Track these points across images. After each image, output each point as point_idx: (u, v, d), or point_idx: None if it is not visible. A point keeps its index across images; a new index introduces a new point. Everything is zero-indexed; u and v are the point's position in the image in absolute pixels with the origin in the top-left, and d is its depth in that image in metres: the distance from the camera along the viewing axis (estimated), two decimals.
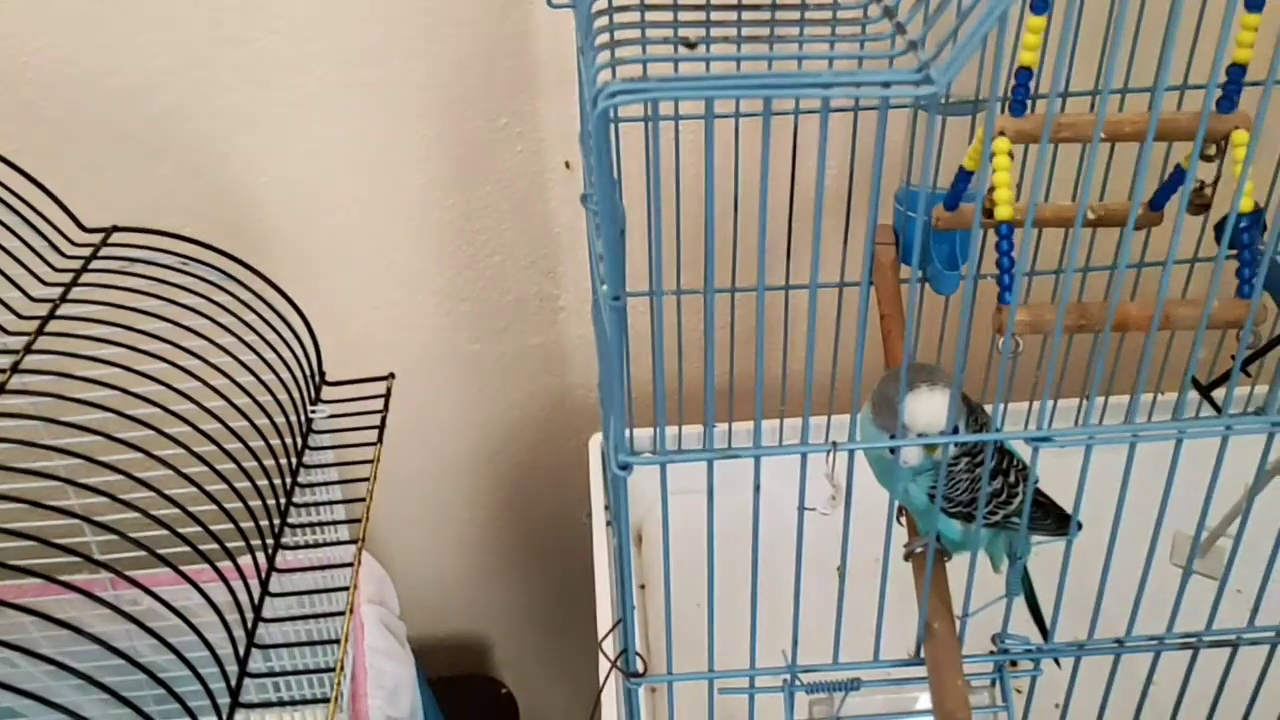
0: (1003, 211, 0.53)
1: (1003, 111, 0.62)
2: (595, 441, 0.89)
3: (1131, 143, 0.55)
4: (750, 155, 0.80)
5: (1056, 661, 0.60)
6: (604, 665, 0.63)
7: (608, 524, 0.82)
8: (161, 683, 0.47)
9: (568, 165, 0.89)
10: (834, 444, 0.49)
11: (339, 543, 0.58)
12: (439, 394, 0.99)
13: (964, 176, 0.63)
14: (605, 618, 0.74)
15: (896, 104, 0.78)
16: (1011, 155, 0.54)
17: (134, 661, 0.46)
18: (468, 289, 0.93)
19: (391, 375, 0.67)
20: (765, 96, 0.39)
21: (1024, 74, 0.54)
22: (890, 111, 0.79)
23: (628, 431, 0.48)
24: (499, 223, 0.91)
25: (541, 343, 0.97)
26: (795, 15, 0.47)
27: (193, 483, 0.52)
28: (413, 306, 0.94)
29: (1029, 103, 0.56)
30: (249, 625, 0.51)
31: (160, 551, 0.50)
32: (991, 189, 0.55)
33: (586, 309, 0.96)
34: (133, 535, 0.50)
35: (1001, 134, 0.54)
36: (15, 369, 0.53)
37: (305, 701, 0.53)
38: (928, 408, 0.53)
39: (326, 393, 0.66)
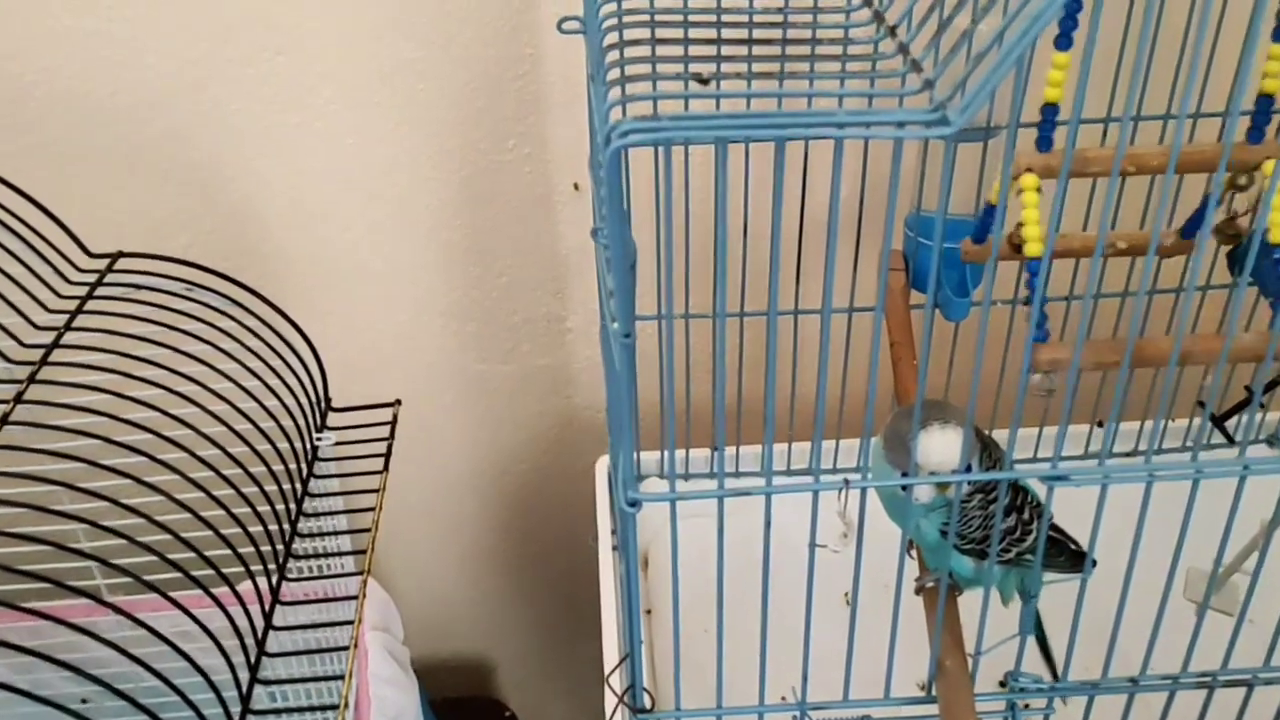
0: (1032, 249, 0.52)
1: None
2: (602, 465, 0.88)
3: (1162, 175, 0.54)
4: (761, 178, 0.80)
5: (1063, 701, 0.59)
6: (610, 700, 0.62)
7: (614, 549, 0.82)
8: (148, 711, 0.46)
9: (576, 187, 0.88)
10: (846, 481, 0.48)
11: (344, 575, 0.57)
12: (445, 415, 0.98)
13: (991, 211, 0.62)
14: (611, 647, 0.73)
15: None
16: (1040, 190, 0.53)
17: (133, 700, 0.45)
18: (474, 310, 0.93)
19: (398, 402, 0.66)
20: (778, 139, 0.39)
21: (1049, 110, 0.53)
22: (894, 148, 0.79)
23: (635, 459, 0.48)
24: (506, 244, 0.90)
25: (549, 364, 0.97)
26: (806, 50, 0.46)
27: (192, 511, 0.52)
28: (419, 327, 0.93)
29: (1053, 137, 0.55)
30: (252, 660, 0.51)
31: (162, 582, 0.50)
32: (1019, 225, 0.54)
33: (594, 330, 0.95)
34: (136, 565, 0.49)
35: (1029, 170, 0.53)
36: (19, 399, 0.53)
37: None
38: (940, 446, 0.52)
39: (332, 419, 0.65)
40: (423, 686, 0.83)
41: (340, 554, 0.58)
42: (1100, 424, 0.88)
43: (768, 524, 0.49)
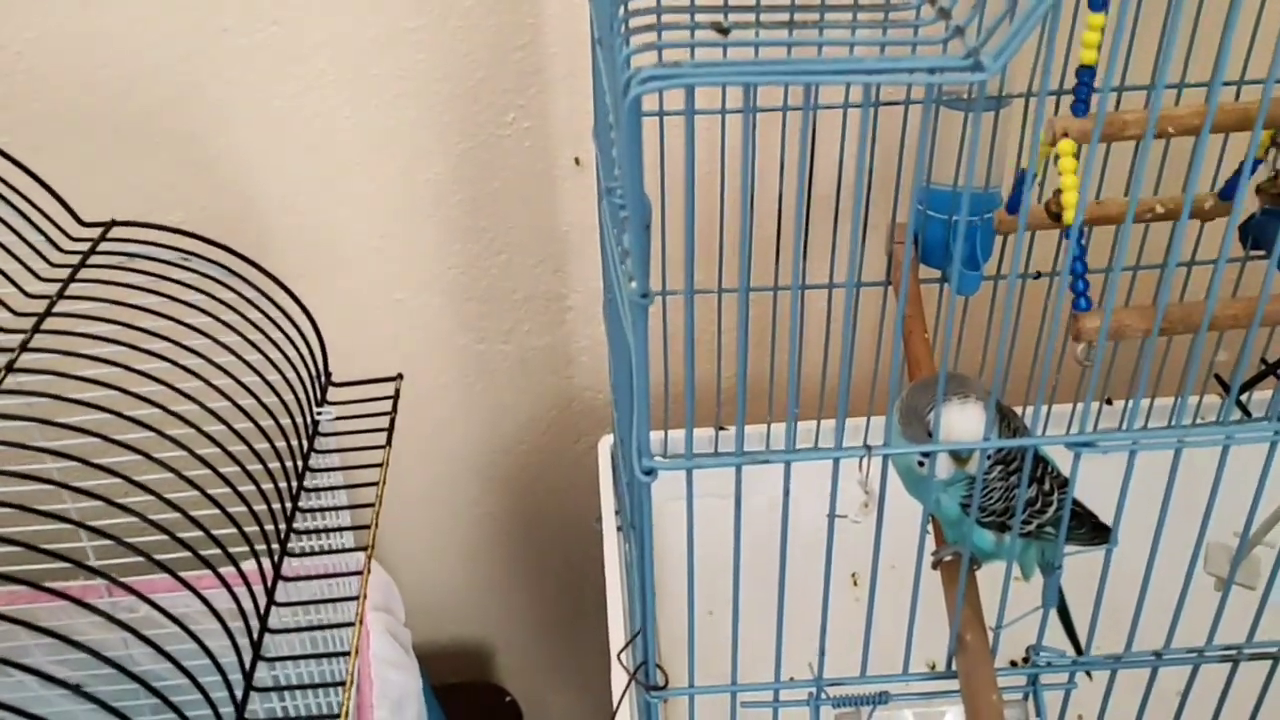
0: (1070, 216, 0.51)
1: (1056, 112, 0.61)
2: (605, 444, 0.86)
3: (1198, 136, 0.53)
4: (768, 151, 0.78)
5: (1089, 675, 0.58)
6: (619, 677, 0.60)
7: (618, 529, 0.80)
8: (157, 693, 0.45)
9: (577, 161, 0.87)
10: (868, 447, 0.47)
11: (345, 550, 0.56)
12: (445, 395, 0.96)
13: (1024, 176, 0.61)
14: (617, 627, 0.71)
15: (917, 99, 0.76)
16: (1078, 156, 0.51)
17: (129, 673, 0.44)
18: (474, 287, 0.91)
19: (400, 376, 0.65)
20: (808, 83, 0.37)
21: (1085, 73, 0.52)
22: (909, 109, 0.77)
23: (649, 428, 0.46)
24: (506, 220, 0.88)
25: (549, 343, 0.95)
26: (847, 16, 0.45)
27: (194, 486, 0.50)
28: (418, 305, 0.91)
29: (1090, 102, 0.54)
30: (254, 636, 0.49)
31: (159, 558, 0.48)
32: (1057, 191, 0.53)
33: (595, 309, 0.94)
34: (131, 540, 0.48)
35: (1065, 135, 0.52)
36: (10, 368, 0.51)
37: (312, 717, 0.50)
38: (961, 421, 0.50)
39: (332, 394, 0.63)
40: (423, 671, 0.81)
41: (341, 529, 0.56)
42: (1110, 402, 0.87)
43: (786, 492, 0.47)
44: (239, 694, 0.45)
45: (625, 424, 0.49)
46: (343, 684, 0.46)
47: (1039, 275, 0.81)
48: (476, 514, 1.04)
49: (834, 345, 0.85)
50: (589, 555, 1.03)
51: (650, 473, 0.45)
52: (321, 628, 0.51)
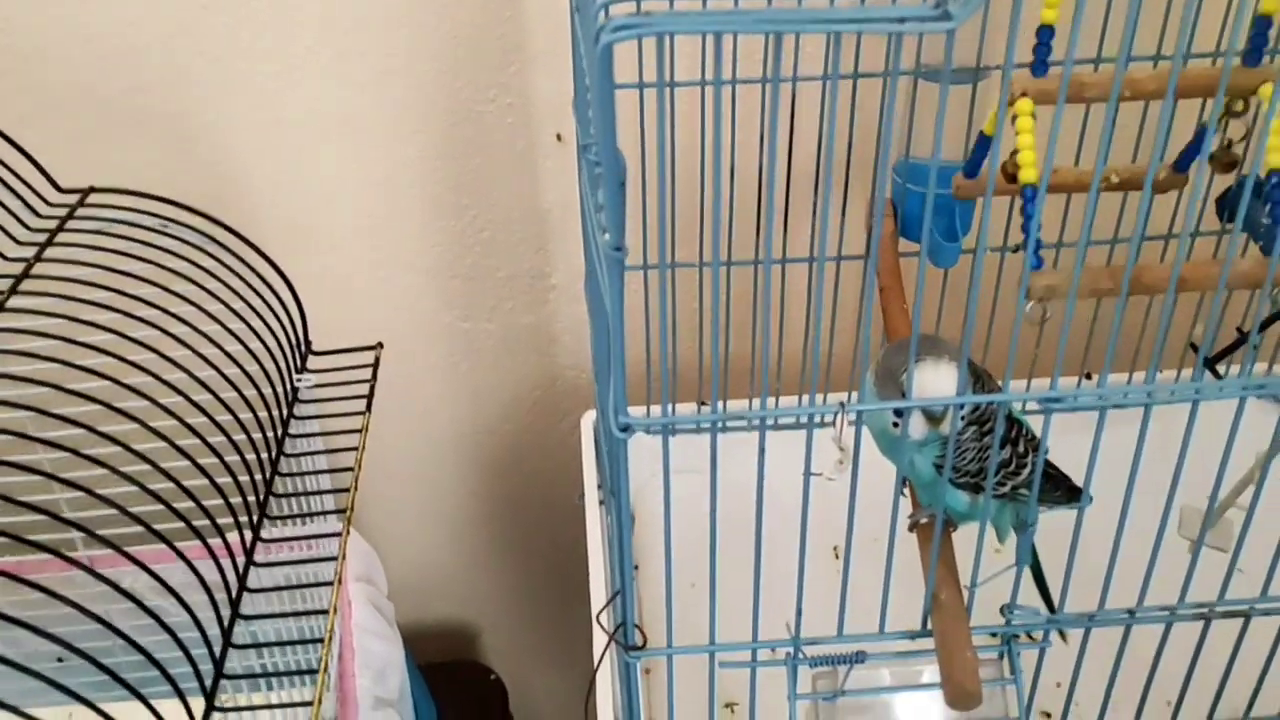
0: (1027, 174, 0.51)
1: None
2: (588, 419, 0.87)
3: (1159, 103, 0.53)
4: (748, 125, 0.78)
5: (1063, 636, 0.58)
6: (599, 640, 0.61)
7: (600, 504, 0.81)
8: (141, 649, 0.45)
9: (559, 138, 0.87)
10: (842, 404, 0.47)
11: (325, 512, 0.56)
12: (428, 373, 0.97)
13: (984, 142, 0.61)
14: (600, 597, 0.72)
15: (902, 71, 0.76)
16: (1034, 116, 0.52)
17: (112, 627, 0.44)
18: (457, 265, 0.91)
19: (380, 345, 0.65)
20: (771, 31, 0.37)
21: (1045, 32, 0.52)
22: (888, 81, 0.78)
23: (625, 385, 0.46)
24: (488, 197, 0.89)
25: (532, 322, 0.95)
26: None
27: (179, 449, 0.50)
28: (401, 283, 0.91)
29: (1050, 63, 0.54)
30: (234, 595, 0.49)
31: (138, 521, 0.48)
32: (1014, 152, 0.53)
33: (577, 287, 0.94)
34: (109, 505, 0.48)
35: (1024, 95, 0.52)
36: None
37: (292, 672, 0.50)
38: (934, 380, 0.51)
39: (312, 363, 0.64)
40: (408, 650, 0.81)
41: (321, 492, 0.56)
42: (1090, 376, 0.88)
43: (762, 451, 0.48)
44: (217, 650, 0.45)
45: (604, 384, 0.49)
46: (322, 640, 0.47)
47: (1018, 249, 0.81)
48: (461, 493, 1.04)
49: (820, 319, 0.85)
50: (573, 535, 1.03)
51: (626, 429, 0.46)
52: (302, 586, 0.52)
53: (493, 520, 1.07)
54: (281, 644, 0.48)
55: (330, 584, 0.50)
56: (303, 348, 0.63)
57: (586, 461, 0.84)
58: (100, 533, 0.48)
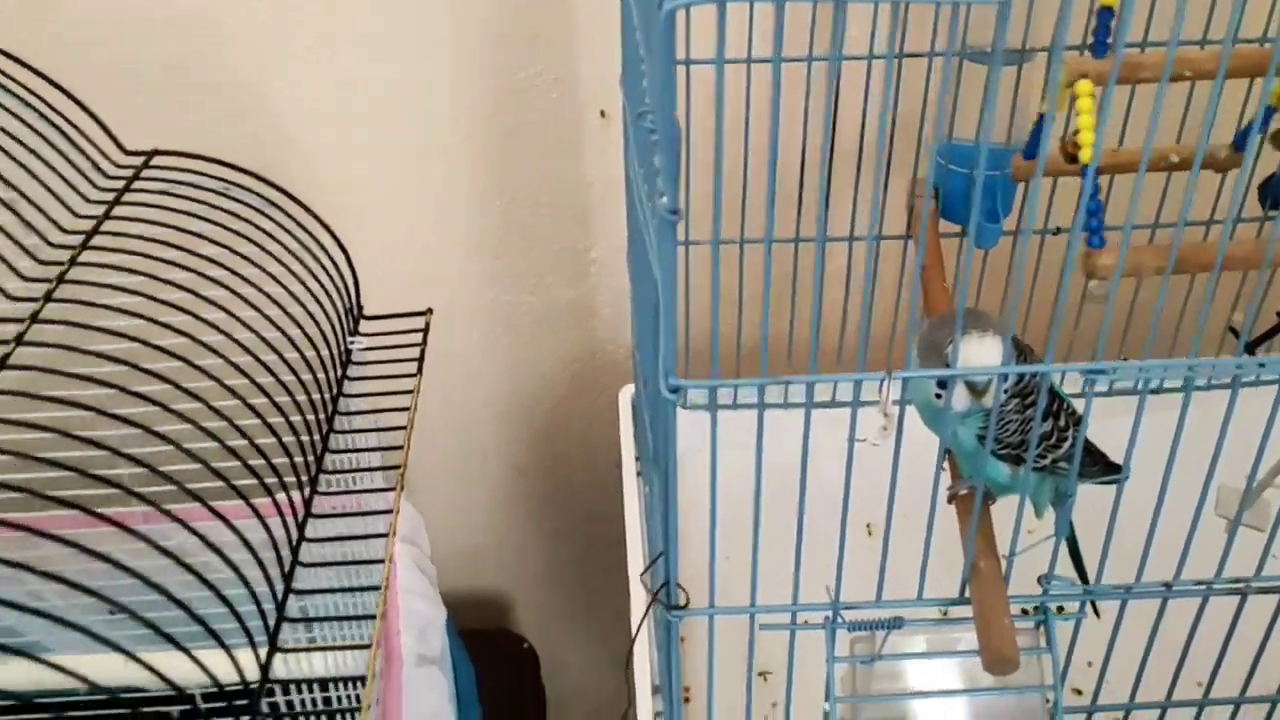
0: (1086, 155, 0.52)
1: (1082, 54, 0.61)
2: (625, 393, 0.88)
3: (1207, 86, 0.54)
4: (792, 105, 0.79)
5: (1095, 611, 0.59)
6: (639, 599, 0.62)
7: (638, 474, 0.82)
8: (199, 619, 0.46)
9: (603, 114, 0.88)
10: (889, 372, 0.48)
11: (375, 469, 0.57)
12: (468, 345, 0.98)
13: (1043, 123, 0.62)
14: (637, 562, 0.73)
15: (941, 51, 0.77)
16: (1094, 97, 0.52)
17: (183, 562, 0.45)
18: (500, 238, 0.92)
19: (430, 311, 0.66)
20: (837, 2, 0.38)
21: (1105, 14, 0.53)
22: (933, 62, 0.78)
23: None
24: (532, 172, 0.90)
25: (573, 296, 0.97)
26: None
27: (251, 408, 0.51)
28: (444, 256, 0.93)
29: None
30: (285, 568, 0.50)
31: (192, 487, 0.49)
32: (1075, 132, 0.54)
33: (617, 263, 0.95)
34: (164, 470, 0.48)
35: (1084, 76, 0.53)
36: (49, 298, 0.52)
37: (345, 617, 0.52)
38: (979, 352, 0.52)
39: (363, 328, 0.65)
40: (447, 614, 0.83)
41: (369, 449, 0.58)
42: (1126, 359, 0.88)
43: (809, 409, 0.49)
44: (271, 623, 0.47)
45: (646, 351, 0.50)
46: (371, 616, 0.48)
47: (1058, 231, 0.82)
48: (499, 465, 1.06)
49: (854, 300, 0.86)
50: (609, 510, 1.05)
51: (676, 390, 0.47)
52: (355, 537, 0.53)
53: (529, 491, 1.08)
54: (334, 619, 0.50)
55: (384, 536, 0.52)
56: (355, 311, 0.65)
57: (624, 433, 0.86)
58: (160, 490, 0.49)
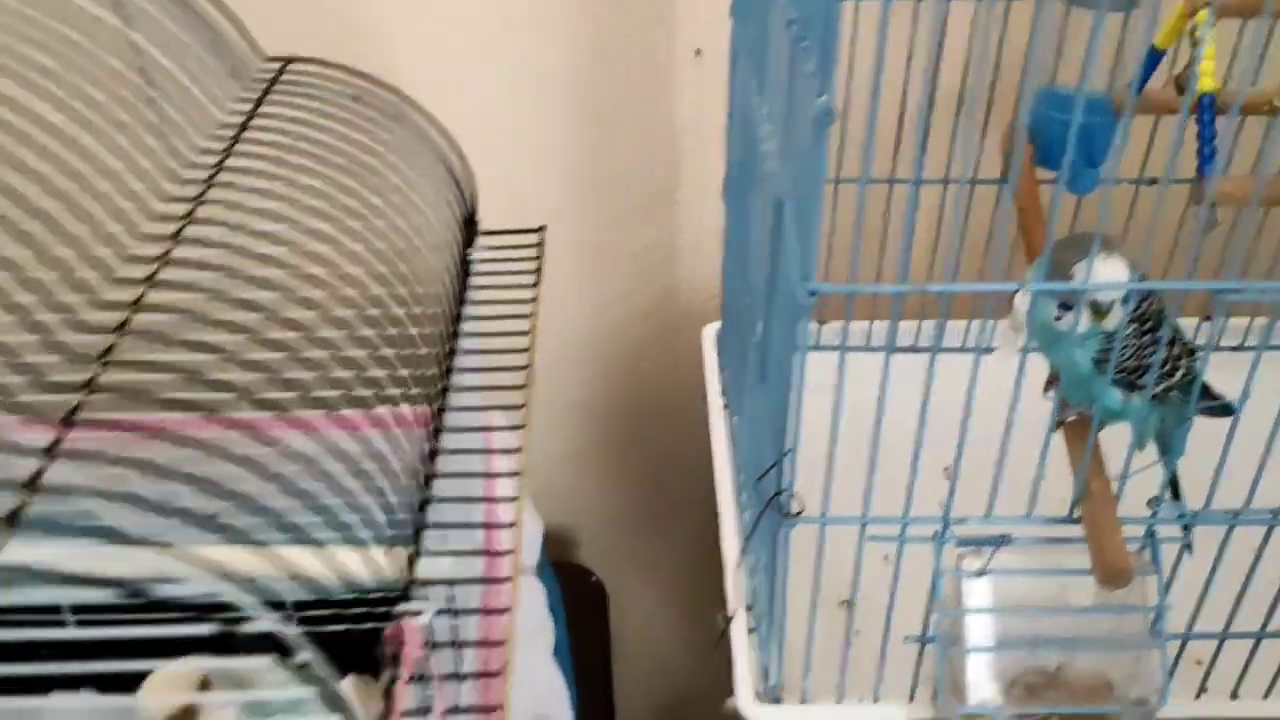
0: (1205, 83, 0.52)
1: (1192, 14, 0.62)
2: (709, 331, 0.89)
3: None
4: (895, 45, 0.80)
5: (1189, 549, 0.60)
6: (728, 520, 0.63)
7: (725, 407, 0.83)
8: (343, 524, 0.47)
9: (699, 53, 0.89)
10: (1022, 284, 0.49)
11: (497, 387, 0.59)
12: (550, 278, 0.99)
13: (1154, 56, 0.63)
14: (727, 496, 0.74)
15: None
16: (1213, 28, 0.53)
17: (327, 472, 0.47)
18: (589, 173, 0.94)
19: (543, 228, 0.68)
20: None
21: None
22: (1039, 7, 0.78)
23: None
24: (625, 108, 0.91)
25: (657, 236, 0.98)
26: None
27: (389, 318, 0.52)
28: (539, 186, 0.94)
29: None
30: (427, 453, 0.52)
31: (317, 395, 0.50)
32: (1187, 65, 0.55)
33: (702, 205, 0.96)
34: (287, 377, 0.49)
35: (1208, 4, 0.53)
36: (200, 200, 0.54)
37: (471, 553, 0.53)
38: (1106, 272, 0.53)
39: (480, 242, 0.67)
40: None
41: (487, 368, 0.59)
42: (1209, 318, 0.88)
43: (943, 319, 0.50)
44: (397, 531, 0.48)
45: (791, 250, 0.50)
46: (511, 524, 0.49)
47: (1153, 182, 0.82)
48: (573, 400, 1.07)
49: (943, 244, 0.87)
50: (682, 453, 1.06)
51: (814, 294, 0.48)
52: (479, 451, 0.54)
53: (604, 427, 1.10)
54: (463, 500, 0.52)
55: (518, 450, 0.53)
56: (474, 225, 0.66)
57: (709, 370, 0.87)
58: (288, 395, 0.50)
